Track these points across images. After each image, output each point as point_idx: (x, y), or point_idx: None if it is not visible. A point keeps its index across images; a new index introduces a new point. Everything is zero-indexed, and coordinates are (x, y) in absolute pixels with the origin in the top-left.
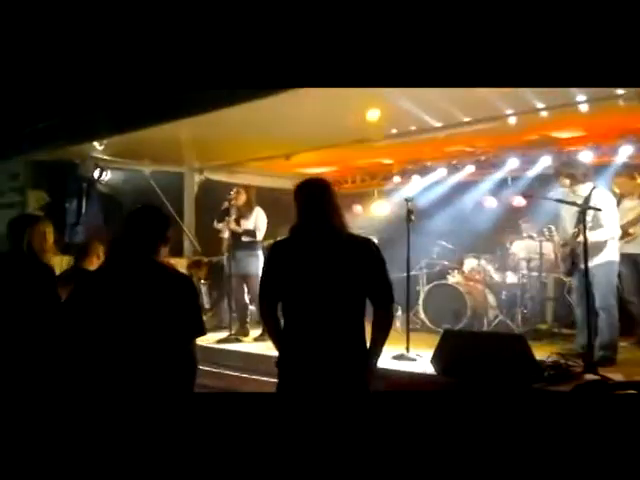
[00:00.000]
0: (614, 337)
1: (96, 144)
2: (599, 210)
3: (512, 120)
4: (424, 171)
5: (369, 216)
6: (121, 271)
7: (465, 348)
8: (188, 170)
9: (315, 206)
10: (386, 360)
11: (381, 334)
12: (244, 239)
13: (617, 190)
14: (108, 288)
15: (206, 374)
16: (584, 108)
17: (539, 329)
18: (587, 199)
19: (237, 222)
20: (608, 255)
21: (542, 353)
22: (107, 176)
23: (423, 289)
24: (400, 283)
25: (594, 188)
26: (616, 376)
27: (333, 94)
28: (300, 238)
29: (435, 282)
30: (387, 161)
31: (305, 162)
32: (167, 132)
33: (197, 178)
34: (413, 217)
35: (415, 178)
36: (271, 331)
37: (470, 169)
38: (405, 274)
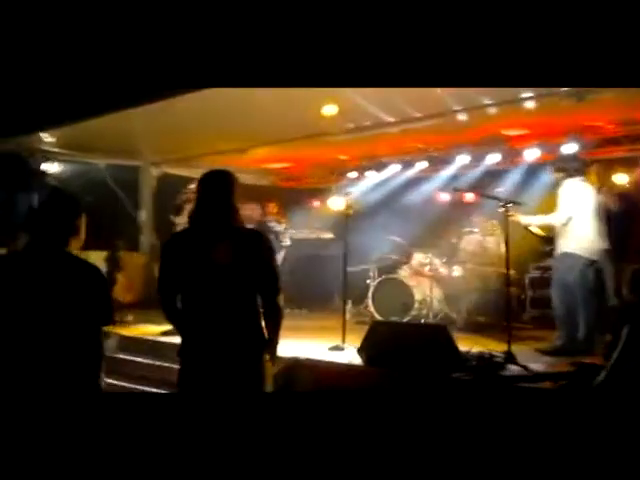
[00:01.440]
0: (563, 329)
1: (45, 136)
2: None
3: (462, 117)
4: (379, 167)
5: (326, 212)
6: (28, 260)
7: (391, 339)
8: (145, 164)
9: (214, 198)
10: (322, 351)
11: (271, 325)
12: None
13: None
14: (14, 277)
15: (146, 366)
16: (529, 105)
17: (480, 322)
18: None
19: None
20: (564, 247)
21: (480, 345)
22: (57, 169)
23: (373, 283)
24: (352, 277)
25: (568, 180)
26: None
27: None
28: (197, 230)
29: (384, 276)
30: (344, 157)
31: (262, 157)
32: (120, 124)
33: (155, 172)
34: (351, 211)
35: (370, 174)
36: (173, 322)
37: (423, 165)
38: (358, 268)
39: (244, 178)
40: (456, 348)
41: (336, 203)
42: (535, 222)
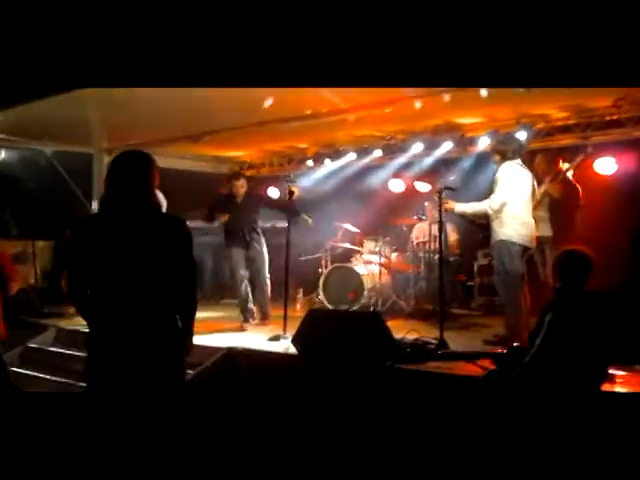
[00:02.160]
0: (510, 320)
1: None
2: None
3: (417, 104)
4: (336, 155)
5: (282, 199)
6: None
7: (325, 327)
8: (97, 151)
9: (127, 180)
10: (261, 341)
11: (185, 316)
12: None
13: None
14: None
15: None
16: (482, 93)
17: (427, 309)
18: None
19: None
20: (499, 235)
21: (425, 332)
22: (1, 155)
23: (324, 271)
24: (305, 265)
25: (505, 163)
26: None
27: None
28: (108, 214)
29: (334, 265)
30: (301, 145)
31: (217, 145)
32: (70, 109)
33: (107, 160)
34: (294, 198)
35: (327, 162)
36: (81, 311)
37: (378, 153)
38: (311, 256)
39: (201, 166)
40: (390, 335)
41: (274, 192)
42: (468, 209)
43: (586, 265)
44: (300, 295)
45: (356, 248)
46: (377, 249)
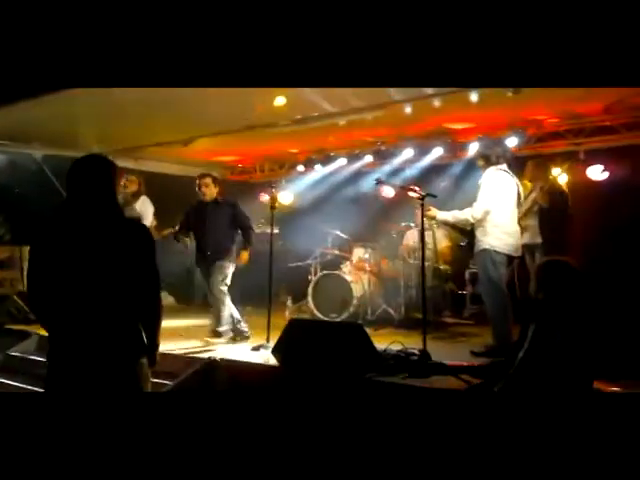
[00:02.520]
0: (495, 330)
1: None
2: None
3: (407, 108)
4: (327, 160)
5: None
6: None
7: (306, 338)
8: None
9: (86, 185)
10: (245, 350)
11: (150, 326)
12: None
13: (527, 179)
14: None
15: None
16: (472, 98)
17: (417, 317)
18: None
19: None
20: (482, 243)
21: (413, 342)
22: None
23: (313, 278)
24: (295, 273)
25: (489, 169)
26: None
27: None
28: (67, 220)
29: (323, 272)
30: (293, 150)
31: (207, 149)
32: (58, 112)
33: None
34: (277, 205)
35: (317, 167)
36: (40, 319)
37: (369, 158)
38: (300, 263)
39: (193, 171)
40: (372, 347)
41: (284, 197)
42: (449, 218)
43: (570, 275)
44: (289, 302)
45: (345, 255)
46: (366, 256)
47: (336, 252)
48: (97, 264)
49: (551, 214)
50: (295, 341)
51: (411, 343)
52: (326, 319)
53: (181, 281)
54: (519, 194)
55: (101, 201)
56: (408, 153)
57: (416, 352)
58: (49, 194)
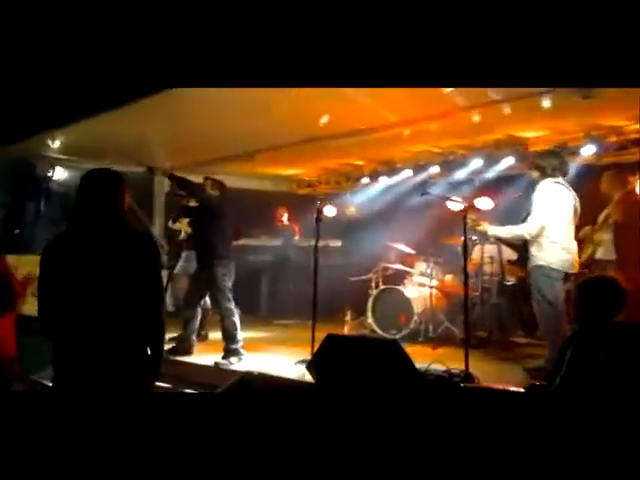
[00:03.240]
0: (550, 350)
1: (52, 142)
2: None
3: (474, 116)
4: (392, 172)
5: (339, 218)
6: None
7: (342, 355)
8: (157, 171)
9: (94, 198)
10: (288, 364)
11: (153, 340)
12: None
13: (603, 191)
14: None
15: None
16: (545, 104)
17: (481, 336)
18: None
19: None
20: (537, 259)
21: (475, 362)
22: (64, 176)
23: (373, 293)
24: (358, 287)
25: (544, 181)
26: None
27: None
28: (76, 234)
29: (382, 287)
30: (358, 162)
31: (273, 162)
32: (131, 129)
33: (167, 180)
34: (322, 216)
35: (382, 179)
36: (47, 331)
37: (435, 169)
38: (360, 277)
39: (260, 185)
40: (410, 366)
41: (330, 211)
42: (502, 233)
43: (615, 295)
44: (348, 317)
45: (407, 269)
46: (428, 270)
47: (398, 266)
48: (103, 276)
49: (626, 228)
50: (331, 357)
51: (439, 363)
52: (386, 335)
53: (245, 291)
54: (576, 208)
55: (110, 214)
56: (477, 163)
57: (459, 372)
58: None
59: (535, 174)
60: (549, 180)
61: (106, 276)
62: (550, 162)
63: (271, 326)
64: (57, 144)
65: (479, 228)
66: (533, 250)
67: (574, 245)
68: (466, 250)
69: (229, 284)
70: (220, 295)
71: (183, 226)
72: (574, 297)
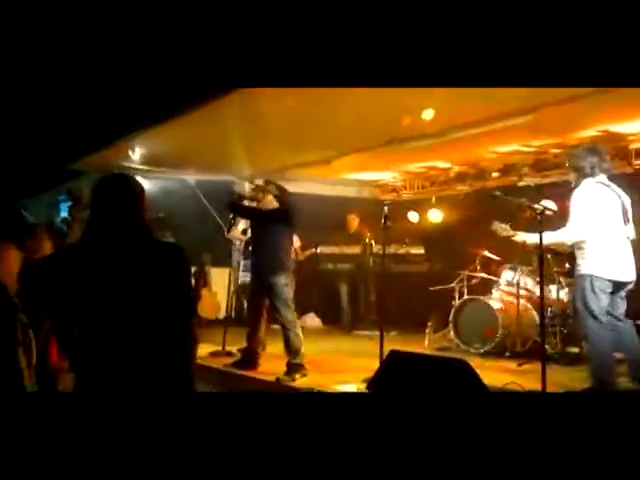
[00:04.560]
0: (594, 369)
1: (130, 152)
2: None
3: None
4: (480, 175)
5: (423, 224)
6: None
7: (405, 374)
8: (238, 179)
9: (111, 206)
10: (355, 381)
11: (183, 354)
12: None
13: None
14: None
15: None
16: None
17: (573, 352)
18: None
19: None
20: (580, 268)
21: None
22: (146, 186)
23: (456, 304)
24: (441, 297)
25: (584, 182)
26: None
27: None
28: (93, 245)
29: (465, 297)
30: (444, 165)
31: (350, 167)
32: (210, 137)
33: (248, 187)
34: (390, 223)
35: (469, 182)
36: (67, 351)
37: (526, 171)
38: (442, 287)
39: (345, 191)
40: (482, 388)
41: (433, 215)
42: (537, 240)
43: None
44: (429, 330)
45: (493, 278)
46: (516, 279)
47: (483, 275)
48: (127, 291)
49: None
50: (393, 377)
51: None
52: (470, 349)
53: (328, 302)
54: (625, 209)
55: (129, 222)
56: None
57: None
58: (202, 218)
59: (573, 175)
60: (589, 180)
61: (128, 290)
62: (589, 160)
63: (350, 337)
64: (137, 155)
65: (516, 238)
66: (577, 258)
67: (624, 250)
68: (542, 257)
69: (291, 294)
70: (282, 306)
71: (237, 234)
72: None
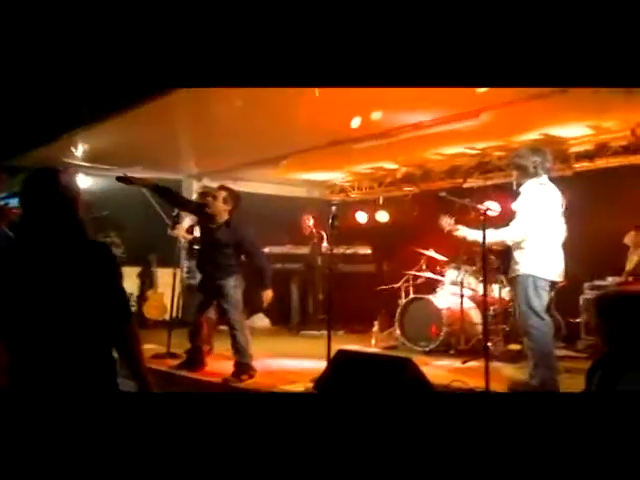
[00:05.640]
0: (537, 366)
1: (73, 149)
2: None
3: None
4: (426, 176)
5: (371, 225)
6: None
7: (351, 373)
8: (186, 177)
9: (39, 203)
10: (303, 382)
11: (129, 359)
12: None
13: None
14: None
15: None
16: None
17: (515, 350)
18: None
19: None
20: (520, 267)
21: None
22: (89, 183)
23: (401, 303)
24: (385, 296)
25: (528, 182)
26: None
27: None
28: (21, 245)
29: (410, 296)
30: (391, 166)
31: (301, 167)
32: (158, 135)
33: (196, 185)
34: (337, 223)
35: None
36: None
37: (471, 173)
38: (388, 287)
39: (291, 190)
40: (425, 386)
41: (381, 216)
42: (477, 237)
43: None
44: (376, 328)
45: (438, 278)
46: (459, 279)
47: (428, 274)
48: (57, 293)
49: None
50: (340, 376)
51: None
52: (416, 348)
53: (276, 302)
54: (564, 209)
55: (54, 220)
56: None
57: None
58: (147, 217)
59: (516, 175)
60: (533, 181)
61: (58, 292)
62: (532, 160)
63: (297, 337)
64: (80, 151)
65: (457, 233)
66: (517, 257)
67: (561, 252)
68: (485, 255)
69: (239, 295)
70: (230, 307)
71: (182, 232)
72: (600, 317)
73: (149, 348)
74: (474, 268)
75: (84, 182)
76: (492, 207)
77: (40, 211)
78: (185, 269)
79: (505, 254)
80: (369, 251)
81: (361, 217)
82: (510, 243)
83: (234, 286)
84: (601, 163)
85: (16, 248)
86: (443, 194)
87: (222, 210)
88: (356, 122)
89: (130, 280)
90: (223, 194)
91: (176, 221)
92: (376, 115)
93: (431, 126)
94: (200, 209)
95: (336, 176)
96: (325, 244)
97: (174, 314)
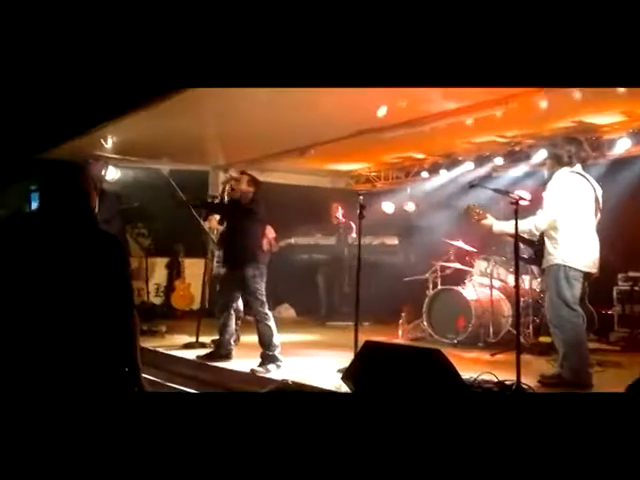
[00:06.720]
0: (568, 358)
1: (102, 141)
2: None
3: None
4: (453, 165)
5: (396, 214)
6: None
7: (381, 364)
8: (212, 168)
9: (53, 196)
10: (330, 372)
11: (126, 350)
12: None
13: None
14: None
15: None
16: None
17: (545, 342)
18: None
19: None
20: (553, 258)
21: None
22: (118, 175)
23: (429, 294)
24: (410, 287)
25: (560, 170)
26: None
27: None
28: (34, 234)
29: (439, 288)
30: (418, 156)
31: (328, 158)
32: (185, 126)
33: (222, 177)
34: (365, 213)
35: (443, 173)
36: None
37: (499, 161)
38: (415, 277)
39: (320, 181)
40: (454, 378)
41: (389, 207)
42: (507, 228)
43: None
44: (403, 320)
45: (466, 269)
46: (489, 270)
47: (457, 265)
48: (63, 281)
49: None
50: (368, 367)
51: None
52: (443, 340)
53: (303, 292)
54: (597, 200)
55: (70, 213)
56: (543, 154)
57: (511, 385)
58: (177, 208)
59: (549, 163)
60: (565, 169)
61: (66, 279)
62: (566, 149)
63: (324, 328)
64: (110, 143)
65: (484, 222)
66: (549, 247)
67: (595, 242)
68: (517, 245)
69: (261, 286)
70: (252, 298)
71: (214, 224)
72: None
73: (179, 337)
74: (504, 259)
75: (113, 174)
76: (524, 196)
77: (54, 202)
78: (216, 258)
79: (537, 245)
80: (396, 242)
81: (388, 207)
82: (537, 232)
83: (252, 276)
84: (636, 150)
85: (28, 237)
86: (475, 182)
87: (246, 191)
88: (382, 111)
89: (159, 271)
90: (246, 178)
91: (208, 213)
92: (404, 104)
93: (460, 114)
94: (223, 205)
95: (362, 166)
96: (354, 234)
97: (203, 304)
